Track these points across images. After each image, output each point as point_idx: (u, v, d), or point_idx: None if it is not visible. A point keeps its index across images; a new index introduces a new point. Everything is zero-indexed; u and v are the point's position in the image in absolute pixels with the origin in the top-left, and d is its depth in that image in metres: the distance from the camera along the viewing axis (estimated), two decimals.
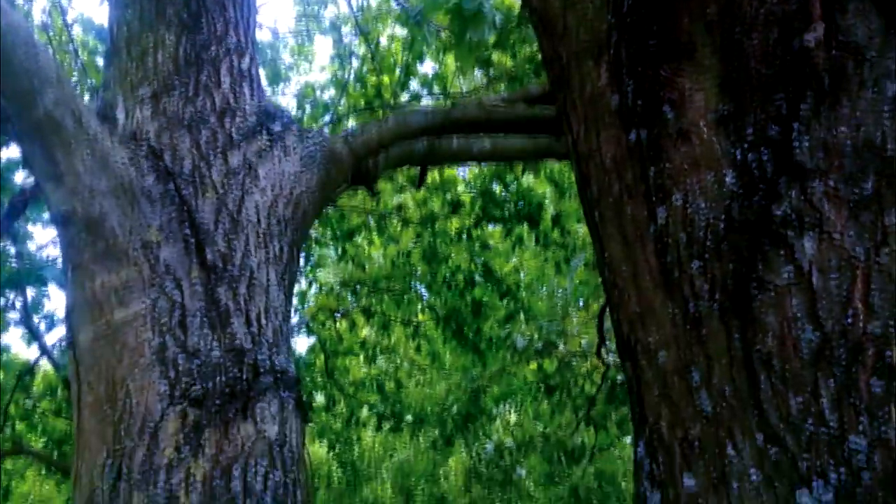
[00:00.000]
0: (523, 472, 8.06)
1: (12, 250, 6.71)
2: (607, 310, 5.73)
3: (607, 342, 6.68)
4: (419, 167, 3.54)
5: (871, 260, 1.18)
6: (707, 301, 1.33)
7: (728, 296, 1.30)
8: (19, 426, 8.93)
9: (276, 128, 2.53)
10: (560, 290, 7.86)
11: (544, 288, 9.18)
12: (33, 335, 7.80)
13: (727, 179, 1.34)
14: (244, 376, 2.01)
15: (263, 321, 2.14)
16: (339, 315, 9.44)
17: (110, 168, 2.17)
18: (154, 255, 2.11)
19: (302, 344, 9.92)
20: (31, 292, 7.49)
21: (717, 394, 1.30)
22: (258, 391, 2.02)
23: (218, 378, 1.98)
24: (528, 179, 7.57)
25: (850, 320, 1.17)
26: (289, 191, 2.46)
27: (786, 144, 1.28)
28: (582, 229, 8.07)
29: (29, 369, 8.33)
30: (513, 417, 9.26)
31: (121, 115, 2.45)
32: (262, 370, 2.05)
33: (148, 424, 1.90)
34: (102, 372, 2.02)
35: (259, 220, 2.31)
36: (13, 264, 6.65)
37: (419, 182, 3.80)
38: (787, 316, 1.22)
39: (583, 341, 7.21)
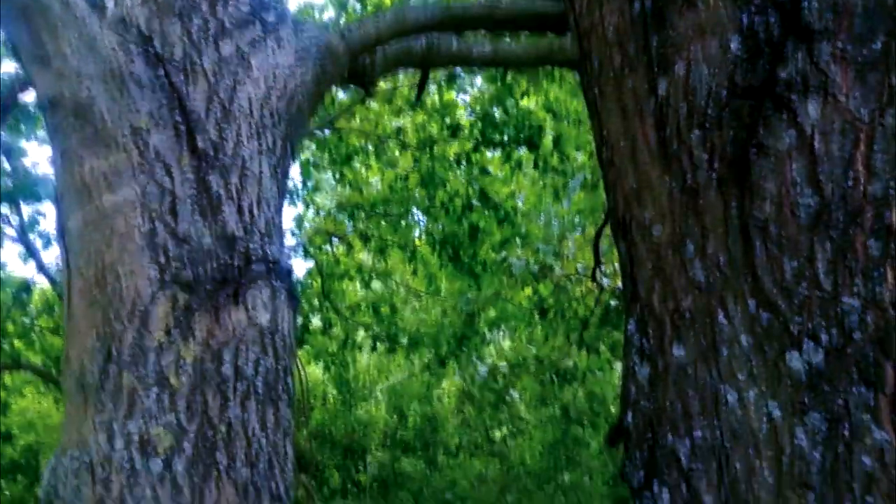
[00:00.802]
0: (516, 394, 8.18)
1: (7, 167, 6.65)
2: (603, 232, 5.71)
3: (602, 265, 6.70)
4: (417, 87, 3.48)
5: (875, 122, 1.14)
6: (705, 171, 1.30)
7: (727, 164, 1.27)
8: (17, 343, 9.00)
9: (270, 18, 2.46)
10: (557, 218, 7.83)
11: (542, 215, 9.17)
12: (30, 253, 7.80)
13: (732, 45, 1.30)
14: (235, 263, 1.99)
15: (255, 211, 2.12)
16: (336, 239, 9.45)
17: (98, 52, 2.11)
18: (143, 141, 2.07)
19: (299, 267, 9.95)
20: (27, 210, 7.45)
21: (711, 263, 1.28)
22: (249, 279, 2.01)
23: (209, 264, 1.96)
24: (528, 102, 7.47)
25: (850, 183, 1.14)
26: (283, 84, 2.40)
27: (794, 6, 1.23)
28: (581, 157, 8.01)
29: (26, 286, 8.36)
30: (507, 343, 9.37)
31: (110, 1, 2.37)
32: (253, 258, 2.03)
33: (138, 308, 1.89)
34: (92, 257, 2.00)
35: (252, 112, 2.26)
36: (7, 182, 6.60)
37: (418, 90, 3.73)
38: (786, 181, 1.19)
39: (579, 265, 7.22)
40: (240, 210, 2.07)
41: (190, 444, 1.79)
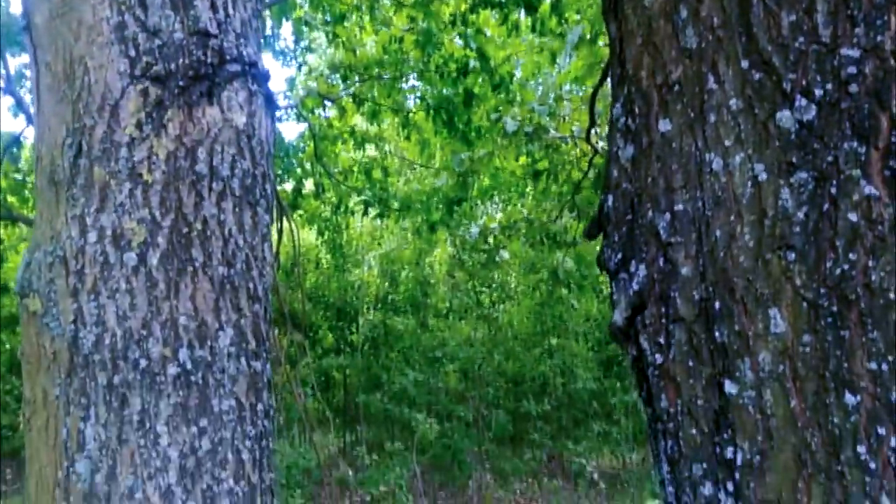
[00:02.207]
0: (506, 255, 8.24)
1: None
2: (599, 92, 5.55)
3: (598, 127, 6.57)
4: None
5: None
6: None
7: None
8: (11, 199, 8.96)
9: None
10: (553, 77, 7.62)
11: (540, 81, 8.93)
12: (19, 105, 7.60)
13: None
14: (209, 60, 1.90)
15: (231, 10, 2.00)
16: (328, 102, 9.25)
17: None
18: None
19: (291, 130, 9.79)
20: (13, 63, 7.20)
21: (705, 27, 1.20)
22: (224, 78, 1.92)
23: (181, 59, 1.87)
24: None
25: None
26: None
27: None
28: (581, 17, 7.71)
29: (16, 140, 8.22)
30: (499, 216, 9.35)
31: None
32: (228, 57, 1.93)
33: (108, 101, 1.81)
34: (59, 51, 1.90)
35: None
36: None
37: None
38: None
39: (574, 127, 7.09)
40: (213, 6, 1.95)
41: (164, 238, 1.76)
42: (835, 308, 1.05)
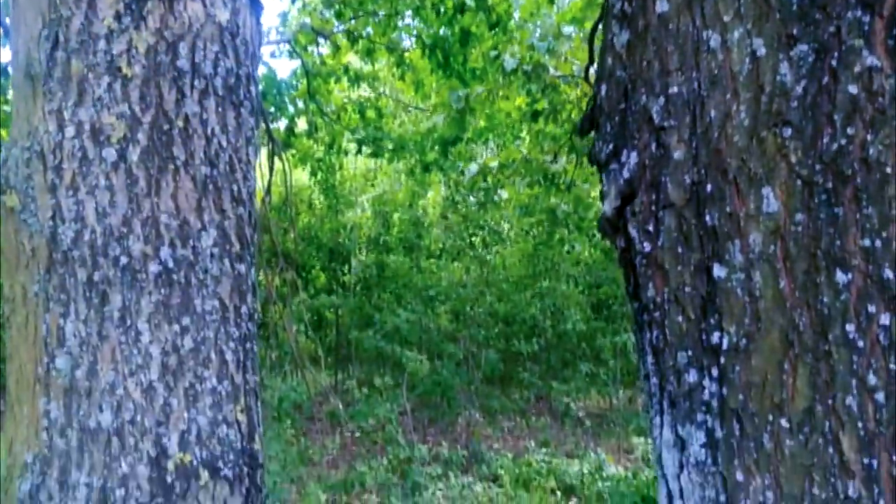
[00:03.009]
0: (505, 194, 8.19)
1: None
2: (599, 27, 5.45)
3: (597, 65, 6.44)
4: None
5: None
6: None
7: None
8: (3, 132, 8.83)
9: None
10: (552, 18, 7.45)
11: (538, 23, 8.75)
12: (6, 34, 7.43)
13: None
14: None
15: None
16: (322, 39, 9.07)
17: None
18: None
19: (284, 67, 9.62)
20: None
21: None
22: None
23: None
24: None
25: None
26: None
27: None
28: None
29: (3, 70, 8.06)
30: (495, 155, 9.24)
31: None
32: None
33: None
34: None
35: None
36: None
37: None
38: None
39: (574, 67, 6.97)
40: None
41: (144, 135, 1.71)
42: (830, 185, 1.01)
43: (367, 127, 9.66)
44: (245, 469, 1.76)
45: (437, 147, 8.72)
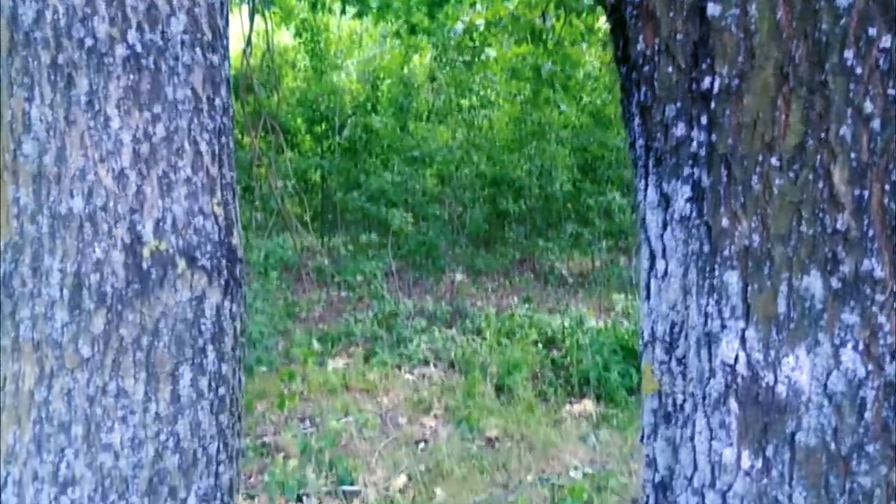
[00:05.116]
0: (493, 52, 7.95)
1: None
2: None
3: None
4: None
5: None
6: None
7: None
8: None
9: None
10: None
11: None
12: None
13: None
14: None
15: None
16: None
17: None
18: None
19: None
20: None
21: None
22: None
23: None
24: None
25: None
26: None
27: None
28: None
29: None
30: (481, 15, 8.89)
31: None
32: None
33: None
34: None
35: None
36: None
37: None
38: None
39: None
40: None
41: None
42: None
43: None
44: (224, 262, 1.74)
45: (423, 8, 8.38)
